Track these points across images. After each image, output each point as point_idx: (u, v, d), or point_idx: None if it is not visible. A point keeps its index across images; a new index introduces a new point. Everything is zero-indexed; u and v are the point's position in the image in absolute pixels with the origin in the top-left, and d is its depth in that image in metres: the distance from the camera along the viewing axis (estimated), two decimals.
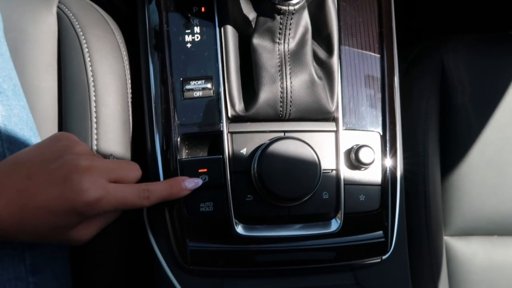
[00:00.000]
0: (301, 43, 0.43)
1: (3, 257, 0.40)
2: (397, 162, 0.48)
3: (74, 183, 0.37)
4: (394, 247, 0.48)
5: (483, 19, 0.84)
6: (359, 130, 0.47)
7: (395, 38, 0.50)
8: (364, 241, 0.47)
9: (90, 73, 0.49)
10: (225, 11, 0.46)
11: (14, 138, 0.43)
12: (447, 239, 0.61)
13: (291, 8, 0.39)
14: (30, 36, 0.50)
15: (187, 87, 0.45)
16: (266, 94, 0.44)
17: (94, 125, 0.48)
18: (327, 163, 0.46)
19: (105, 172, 0.39)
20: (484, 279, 0.60)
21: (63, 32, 0.51)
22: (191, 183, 0.43)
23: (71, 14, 0.51)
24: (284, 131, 0.45)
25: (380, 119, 0.48)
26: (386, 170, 0.48)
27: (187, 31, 0.46)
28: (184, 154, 0.45)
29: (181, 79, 0.45)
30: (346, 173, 0.46)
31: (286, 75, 0.43)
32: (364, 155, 0.45)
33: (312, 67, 0.44)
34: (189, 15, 0.46)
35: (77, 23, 0.50)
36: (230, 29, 0.46)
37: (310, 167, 0.43)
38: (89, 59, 0.49)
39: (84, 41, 0.50)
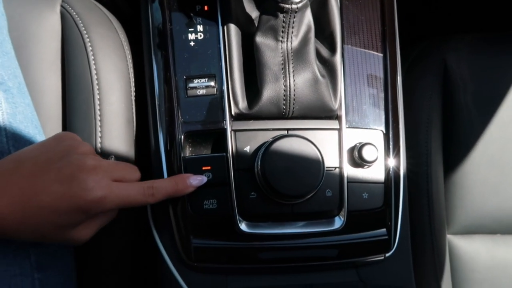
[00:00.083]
0: (304, 41, 0.43)
1: (8, 253, 0.41)
2: (400, 160, 0.48)
3: (80, 182, 0.37)
4: (397, 244, 0.48)
5: (484, 19, 0.84)
6: (362, 128, 0.47)
7: (397, 36, 0.50)
8: (367, 239, 0.47)
9: (94, 72, 0.49)
10: (228, 9, 0.46)
11: (19, 136, 0.43)
12: (450, 238, 0.61)
13: (294, 6, 0.40)
14: (34, 34, 0.50)
15: (191, 85, 0.45)
16: (269, 92, 0.44)
17: (98, 123, 0.49)
18: (330, 161, 0.46)
19: (109, 172, 0.40)
20: (487, 277, 0.60)
21: (67, 31, 0.51)
22: (196, 180, 0.43)
23: (74, 13, 0.51)
24: (287, 129, 0.46)
25: (383, 117, 0.48)
26: (389, 168, 0.48)
27: (190, 29, 0.46)
28: (187, 152, 0.45)
29: (185, 77, 0.45)
30: (349, 171, 0.46)
31: (289, 73, 0.43)
32: (367, 153, 0.45)
33: (315, 65, 0.44)
34: (192, 13, 0.46)
35: (80, 22, 0.51)
36: (233, 27, 0.46)
37: (313, 165, 0.43)
38: (92, 57, 0.50)
39: (88, 40, 0.50)
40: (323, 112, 0.46)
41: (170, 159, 0.45)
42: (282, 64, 0.43)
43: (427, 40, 0.66)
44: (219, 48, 0.46)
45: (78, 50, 0.50)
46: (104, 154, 0.49)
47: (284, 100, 0.44)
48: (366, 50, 0.49)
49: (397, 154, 0.48)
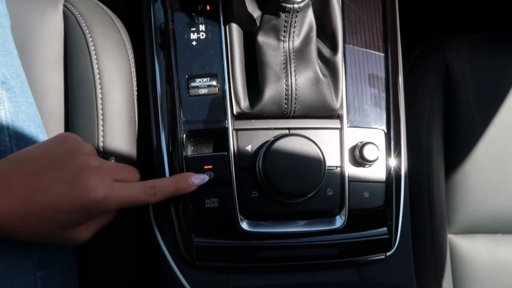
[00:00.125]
0: (306, 40, 0.43)
1: (10, 251, 0.41)
2: (401, 159, 0.49)
3: (82, 182, 0.38)
4: (398, 243, 0.48)
5: (484, 19, 0.84)
6: (363, 127, 0.48)
7: (399, 36, 0.51)
8: (368, 238, 0.47)
9: (96, 71, 0.50)
10: (230, 9, 0.46)
11: (21, 135, 0.44)
12: (451, 237, 0.61)
13: (296, 6, 0.40)
14: (36, 34, 0.50)
15: (193, 84, 0.45)
16: (271, 92, 0.44)
17: (101, 122, 0.49)
18: (332, 160, 0.46)
19: (111, 173, 0.40)
20: (488, 277, 0.60)
21: (69, 31, 0.51)
22: (198, 178, 0.43)
23: (77, 13, 0.51)
24: (289, 128, 0.46)
25: (384, 116, 0.48)
26: (390, 167, 0.48)
27: (192, 29, 0.46)
28: (189, 151, 0.45)
29: (187, 76, 0.46)
30: (351, 170, 0.46)
31: (290, 73, 0.44)
32: (368, 152, 0.45)
33: (316, 65, 0.44)
34: (194, 13, 0.47)
35: (83, 21, 0.51)
36: (235, 27, 0.46)
37: (314, 164, 0.44)
38: (95, 57, 0.50)
39: (90, 39, 0.50)
40: (324, 112, 0.46)
41: (172, 158, 0.46)
42: (283, 63, 0.43)
43: (428, 40, 0.66)
44: (221, 47, 0.46)
45: (81, 50, 0.50)
46: (106, 152, 0.49)
47: (285, 99, 0.44)
48: (368, 50, 0.49)
49: (398, 153, 0.48)
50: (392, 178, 0.48)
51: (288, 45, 0.43)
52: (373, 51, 0.49)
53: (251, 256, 0.46)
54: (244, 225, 0.45)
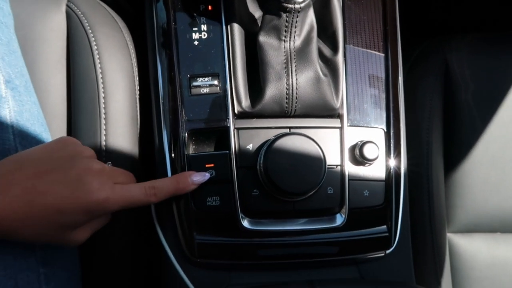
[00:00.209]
0: (307, 40, 0.44)
1: (14, 248, 0.41)
2: (401, 158, 0.49)
3: (85, 184, 0.39)
4: (397, 241, 0.49)
5: (484, 19, 0.84)
6: (363, 126, 0.48)
7: (399, 36, 0.51)
8: (368, 236, 0.47)
9: (99, 70, 0.50)
10: (232, 9, 0.47)
11: (25, 133, 0.44)
12: (450, 236, 0.61)
13: (297, 6, 0.40)
14: (39, 34, 0.51)
15: (194, 83, 0.46)
16: (272, 91, 0.44)
17: (103, 121, 0.49)
18: (332, 159, 0.46)
19: (112, 176, 0.41)
20: (487, 275, 0.61)
21: (72, 30, 0.52)
22: (198, 177, 0.44)
23: (80, 13, 0.52)
24: (290, 127, 0.46)
25: (384, 115, 0.49)
26: (390, 166, 0.48)
27: (194, 29, 0.47)
28: (191, 150, 0.46)
29: (189, 76, 0.46)
30: (351, 169, 0.47)
31: (291, 72, 0.44)
32: (368, 151, 0.45)
33: (317, 64, 0.45)
34: (196, 13, 0.47)
35: (86, 21, 0.51)
36: (236, 27, 0.46)
37: (315, 163, 0.44)
38: (98, 56, 0.50)
39: (93, 39, 0.51)
40: (325, 111, 0.47)
41: (174, 157, 0.46)
42: (284, 63, 0.44)
43: (428, 40, 0.66)
44: (223, 47, 0.46)
45: (84, 49, 0.51)
46: (109, 151, 0.49)
47: (286, 98, 0.44)
48: (368, 50, 0.49)
49: (398, 152, 0.49)
50: (392, 177, 0.48)
51: (289, 45, 0.43)
52: (373, 51, 0.49)
53: (252, 253, 0.46)
54: (245, 223, 0.45)
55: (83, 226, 0.41)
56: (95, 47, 0.51)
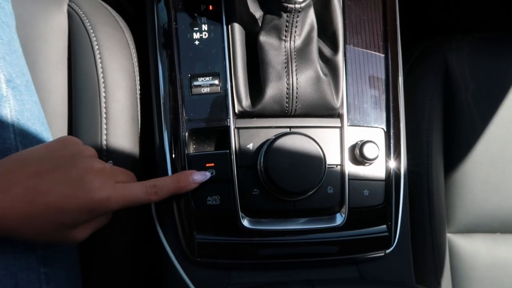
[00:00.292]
0: (307, 40, 0.44)
1: (15, 247, 0.41)
2: (401, 158, 0.49)
3: (86, 183, 0.39)
4: (397, 241, 0.49)
5: (484, 19, 0.84)
6: (363, 126, 0.48)
7: (399, 36, 0.51)
8: (368, 235, 0.47)
9: (100, 70, 0.50)
10: (232, 9, 0.47)
11: (26, 132, 0.44)
12: (450, 236, 0.61)
13: (297, 6, 0.40)
14: (41, 33, 0.51)
15: (195, 83, 0.46)
16: (272, 90, 0.44)
17: (104, 121, 0.49)
18: (332, 158, 0.46)
19: (113, 175, 0.41)
20: (487, 276, 0.61)
21: (74, 30, 0.52)
22: (199, 176, 0.44)
23: (81, 12, 0.52)
24: (290, 127, 0.46)
25: (384, 115, 0.49)
26: (390, 166, 0.48)
27: (195, 29, 0.47)
28: (191, 149, 0.46)
29: (189, 75, 0.46)
30: (351, 168, 0.47)
31: (292, 72, 0.44)
32: (368, 151, 0.45)
33: (317, 64, 0.45)
34: (197, 13, 0.47)
35: (87, 21, 0.51)
36: (237, 26, 0.46)
37: (315, 162, 0.44)
38: (99, 56, 0.51)
39: (94, 38, 0.51)
40: (325, 110, 0.47)
41: (174, 156, 0.46)
42: (285, 63, 0.44)
43: (428, 40, 0.66)
44: (224, 47, 0.46)
45: (85, 49, 0.51)
46: (110, 151, 0.49)
47: (287, 98, 0.45)
48: (368, 50, 0.49)
49: (397, 152, 0.49)
50: (392, 176, 0.48)
51: (290, 45, 0.43)
52: (373, 51, 0.50)
53: (252, 253, 0.46)
54: (245, 223, 0.45)
55: (83, 225, 0.41)
56: (96, 46, 0.51)
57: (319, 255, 0.47)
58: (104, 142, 0.49)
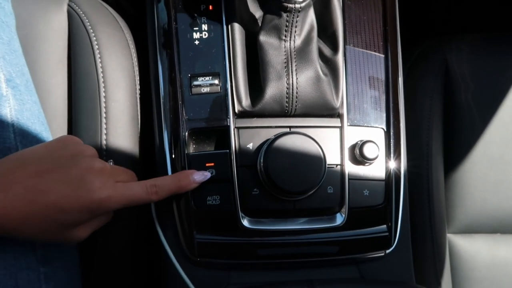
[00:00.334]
0: (307, 40, 0.44)
1: (15, 247, 0.41)
2: (401, 157, 0.49)
3: (86, 183, 0.39)
4: (397, 241, 0.49)
5: (484, 19, 0.84)
6: (363, 126, 0.48)
7: (399, 35, 0.51)
8: (368, 235, 0.47)
9: (100, 70, 0.50)
10: (232, 9, 0.47)
11: (26, 132, 0.44)
12: (450, 237, 0.61)
13: (297, 6, 0.40)
14: (41, 33, 0.51)
15: (195, 83, 0.46)
16: (272, 90, 0.44)
17: (104, 120, 0.49)
18: (332, 158, 0.46)
19: (113, 175, 0.41)
20: (487, 276, 0.61)
21: (74, 30, 0.52)
22: (199, 176, 0.44)
23: (81, 12, 0.52)
24: (290, 127, 0.46)
25: (384, 115, 0.49)
26: (390, 166, 0.48)
27: (195, 28, 0.47)
28: (191, 149, 0.46)
29: (189, 75, 0.46)
30: (351, 168, 0.47)
31: (292, 72, 0.44)
32: (368, 151, 0.45)
33: (317, 64, 0.45)
34: (197, 13, 0.47)
35: (87, 21, 0.51)
36: (237, 26, 0.46)
37: (315, 162, 0.44)
38: (99, 56, 0.51)
39: (94, 38, 0.51)
40: (325, 110, 0.47)
41: (174, 156, 0.46)
42: (285, 62, 0.44)
43: (429, 40, 0.66)
44: (223, 47, 0.46)
45: (85, 49, 0.51)
46: (109, 150, 0.49)
47: (287, 98, 0.45)
48: (368, 50, 0.49)
49: (397, 152, 0.49)
50: (392, 176, 0.48)
51: (290, 45, 0.43)
52: (373, 51, 0.50)
53: (252, 253, 0.46)
54: (245, 222, 0.45)
55: (84, 224, 0.41)
56: (96, 46, 0.51)
57: (319, 255, 0.47)
58: (104, 142, 0.49)
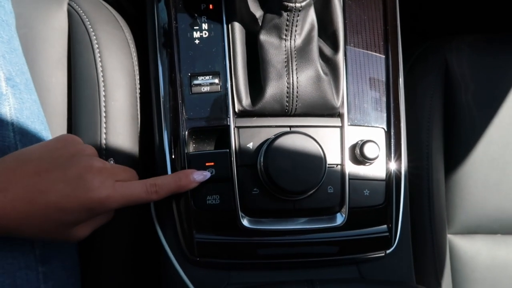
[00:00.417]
0: (307, 39, 0.44)
1: (13, 246, 0.41)
2: (401, 157, 0.49)
3: (86, 182, 0.39)
4: (398, 241, 0.48)
5: (484, 19, 0.84)
6: (364, 126, 0.48)
7: (399, 35, 0.51)
8: (368, 235, 0.47)
9: (99, 69, 0.50)
10: (233, 8, 0.47)
11: (25, 131, 0.44)
12: (451, 237, 0.61)
13: (297, 5, 0.40)
14: (41, 32, 0.51)
15: (195, 82, 0.46)
16: (272, 90, 0.44)
17: (103, 120, 0.49)
18: (332, 158, 0.46)
19: (113, 174, 0.41)
20: (487, 277, 0.60)
21: (74, 29, 0.52)
22: (199, 175, 0.44)
23: (81, 11, 0.52)
24: (290, 126, 0.46)
25: (384, 115, 0.49)
26: (390, 166, 0.48)
27: (195, 28, 0.47)
28: (191, 148, 0.46)
29: (189, 74, 0.46)
30: (351, 168, 0.47)
31: (292, 71, 0.44)
32: (368, 150, 0.45)
33: (318, 64, 0.45)
34: (197, 12, 0.47)
35: (87, 20, 0.51)
36: (237, 26, 0.46)
37: (315, 162, 0.44)
38: (99, 55, 0.50)
39: (94, 37, 0.51)
40: (325, 110, 0.47)
41: (174, 155, 0.46)
42: (285, 62, 0.44)
43: (429, 40, 0.66)
44: (224, 46, 0.46)
45: (85, 48, 0.51)
46: (109, 150, 0.49)
47: (287, 97, 0.45)
48: (368, 49, 0.49)
49: (398, 152, 0.49)
50: (392, 176, 0.48)
51: (290, 44, 0.43)
52: (373, 51, 0.50)
53: (252, 252, 0.46)
54: (245, 222, 0.45)
55: (83, 224, 0.41)
56: (96, 45, 0.51)
57: (319, 255, 0.47)
58: (103, 141, 0.49)
